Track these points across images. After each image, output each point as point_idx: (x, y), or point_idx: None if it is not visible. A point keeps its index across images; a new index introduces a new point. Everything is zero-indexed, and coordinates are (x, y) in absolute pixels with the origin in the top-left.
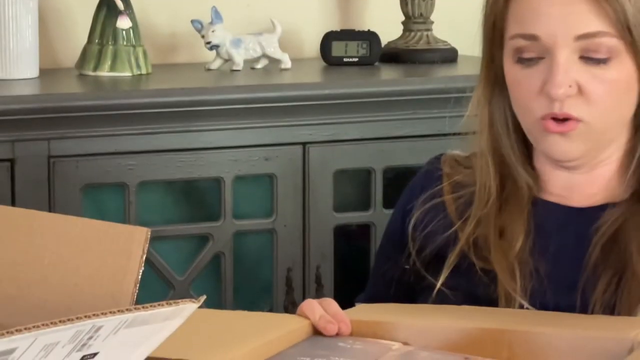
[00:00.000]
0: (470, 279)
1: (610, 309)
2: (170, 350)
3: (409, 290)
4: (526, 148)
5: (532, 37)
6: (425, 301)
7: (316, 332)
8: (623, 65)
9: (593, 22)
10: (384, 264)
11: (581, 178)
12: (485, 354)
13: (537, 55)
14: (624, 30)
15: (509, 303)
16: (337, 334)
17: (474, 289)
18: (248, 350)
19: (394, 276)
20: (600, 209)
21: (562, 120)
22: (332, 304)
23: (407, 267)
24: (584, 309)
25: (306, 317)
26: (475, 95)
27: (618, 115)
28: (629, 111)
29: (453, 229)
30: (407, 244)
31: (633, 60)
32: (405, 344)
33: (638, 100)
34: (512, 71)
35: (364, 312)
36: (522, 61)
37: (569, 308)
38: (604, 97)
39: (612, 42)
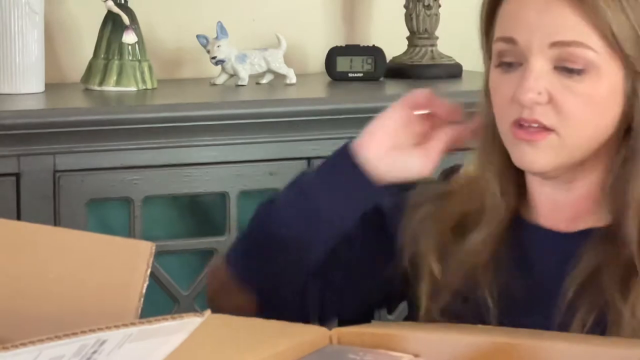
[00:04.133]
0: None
1: None
2: (180, 359)
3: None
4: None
5: (511, 41)
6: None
7: (330, 342)
8: (600, 80)
9: (570, 30)
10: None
11: (563, 198)
12: None
13: (516, 61)
14: (613, 44)
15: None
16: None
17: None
18: None
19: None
20: (583, 236)
21: (532, 129)
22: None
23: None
24: None
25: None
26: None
27: (592, 132)
28: (605, 129)
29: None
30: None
31: (624, 75)
32: (416, 355)
33: (621, 118)
34: (493, 76)
35: (377, 325)
36: (503, 66)
37: None
38: (575, 111)
39: (588, 54)
